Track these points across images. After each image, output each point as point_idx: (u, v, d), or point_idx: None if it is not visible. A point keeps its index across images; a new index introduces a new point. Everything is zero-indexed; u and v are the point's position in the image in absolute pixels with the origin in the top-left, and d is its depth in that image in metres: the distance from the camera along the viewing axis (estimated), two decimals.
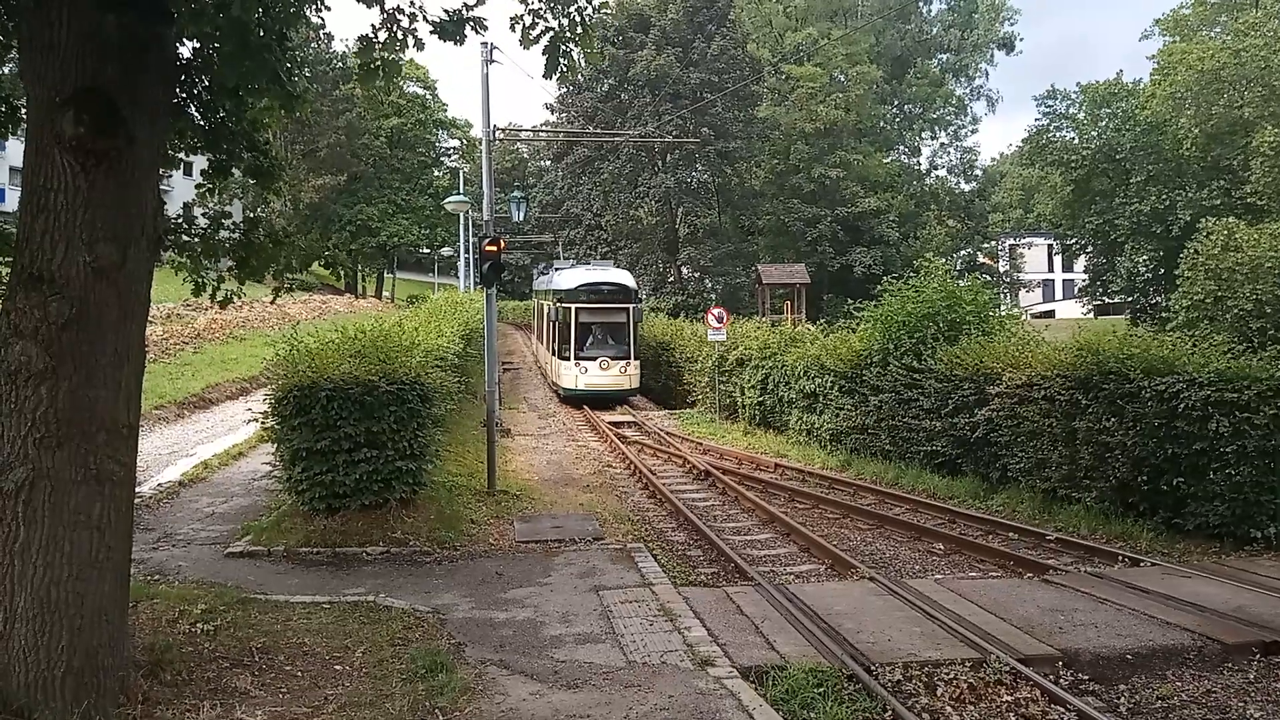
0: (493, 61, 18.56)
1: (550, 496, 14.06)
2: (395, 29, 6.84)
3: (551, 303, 29.16)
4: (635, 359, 28.10)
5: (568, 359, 27.56)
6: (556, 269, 34.02)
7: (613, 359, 27.54)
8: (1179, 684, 7.37)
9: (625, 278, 30.44)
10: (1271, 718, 6.80)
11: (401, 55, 7.10)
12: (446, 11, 6.84)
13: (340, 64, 55.77)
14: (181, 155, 7.61)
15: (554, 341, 29.26)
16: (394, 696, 6.40)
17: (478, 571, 9.86)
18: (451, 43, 6.89)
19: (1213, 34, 42.22)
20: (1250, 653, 7.75)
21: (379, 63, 6.90)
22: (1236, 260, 24.38)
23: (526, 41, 7.10)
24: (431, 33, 6.88)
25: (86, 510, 5.72)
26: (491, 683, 6.75)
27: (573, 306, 27.66)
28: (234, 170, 7.69)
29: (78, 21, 5.61)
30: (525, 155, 78.21)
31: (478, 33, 6.95)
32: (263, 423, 11.25)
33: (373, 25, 6.83)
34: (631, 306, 28.47)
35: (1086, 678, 7.43)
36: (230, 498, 13.07)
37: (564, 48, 7.18)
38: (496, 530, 11.69)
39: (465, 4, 6.87)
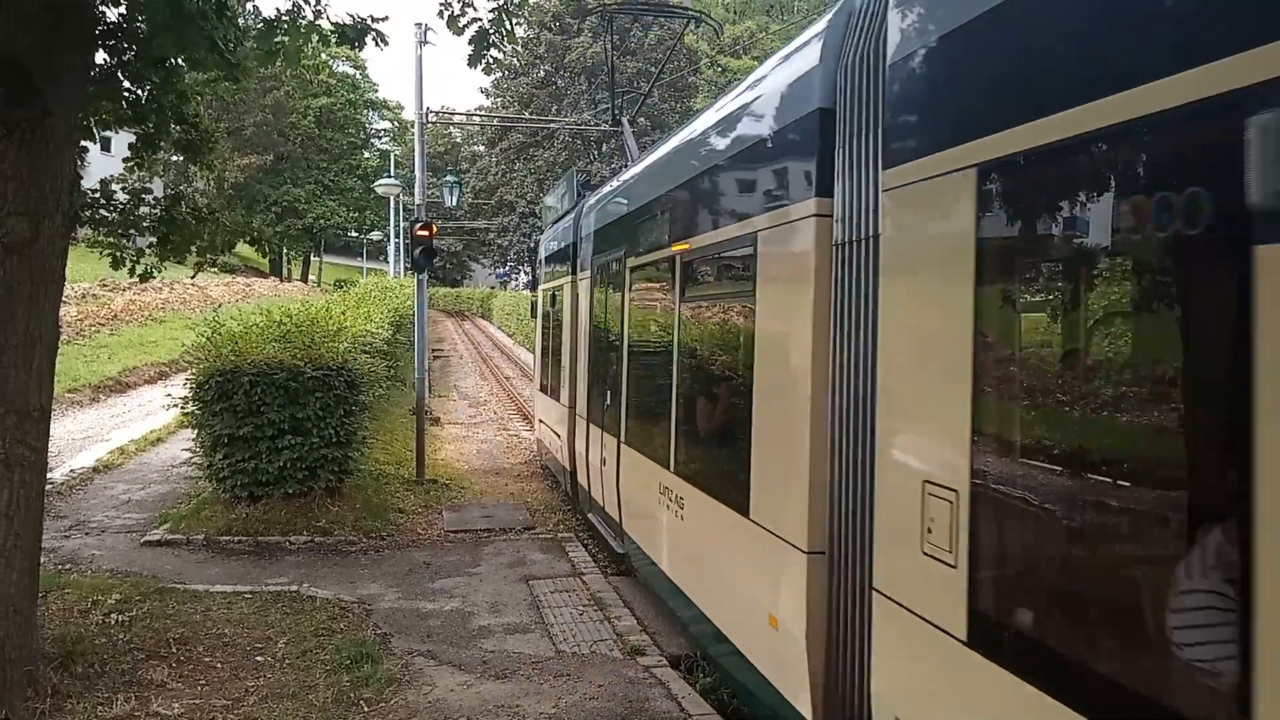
0: (426, 43, 18.28)
1: (480, 485, 13.93)
2: (299, 19, 6.80)
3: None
4: None
5: None
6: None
7: None
8: None
9: None
10: None
11: (304, 44, 7.06)
12: (351, 15, 6.94)
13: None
14: (111, 128, 7.36)
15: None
16: (318, 688, 6.28)
17: (405, 561, 9.73)
18: (349, 47, 7.06)
19: None
20: None
21: (280, 48, 6.80)
22: None
23: (454, 28, 7.11)
24: (331, 33, 6.92)
25: None
26: (419, 673, 6.67)
27: None
28: (162, 144, 7.46)
29: None
30: (459, 140, 77.22)
31: (379, 46, 7.08)
32: (183, 408, 10.94)
33: (277, 10, 6.78)
34: None
35: None
36: (148, 485, 12.68)
37: (490, 39, 7.19)
38: (425, 520, 11.54)
39: (371, 15, 6.99)
